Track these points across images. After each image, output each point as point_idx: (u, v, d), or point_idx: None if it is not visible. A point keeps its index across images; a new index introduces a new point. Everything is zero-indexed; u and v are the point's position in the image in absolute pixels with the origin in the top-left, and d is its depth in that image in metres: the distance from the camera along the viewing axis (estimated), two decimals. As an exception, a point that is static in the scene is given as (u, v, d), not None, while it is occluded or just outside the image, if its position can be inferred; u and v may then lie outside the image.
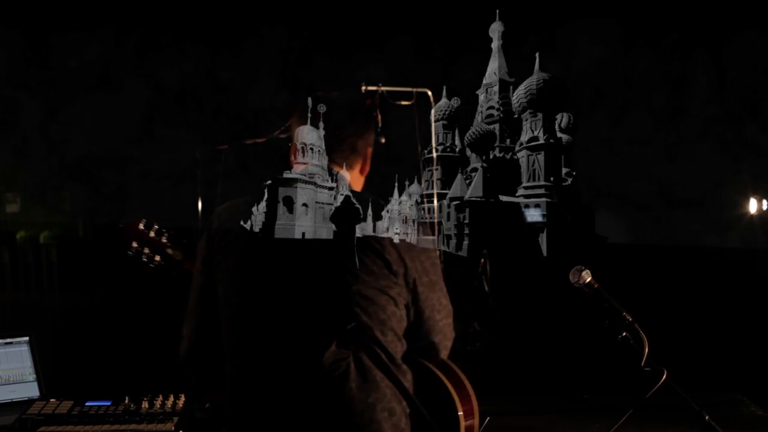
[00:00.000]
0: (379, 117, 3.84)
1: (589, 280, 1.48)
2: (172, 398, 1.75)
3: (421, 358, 1.32)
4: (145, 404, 1.73)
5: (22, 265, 10.11)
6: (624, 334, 1.44)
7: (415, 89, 4.12)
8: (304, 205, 1.40)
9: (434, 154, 3.88)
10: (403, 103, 4.11)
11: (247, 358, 1.21)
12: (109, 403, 1.77)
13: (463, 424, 1.20)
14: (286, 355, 1.17)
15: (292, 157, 1.43)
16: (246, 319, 1.22)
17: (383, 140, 3.78)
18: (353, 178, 1.45)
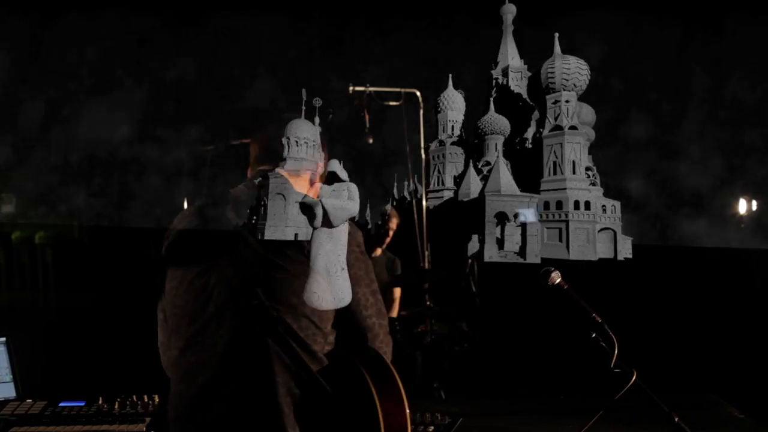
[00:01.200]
0: (367, 117, 3.81)
1: (558, 281, 1.47)
2: (145, 398, 1.74)
3: (353, 355, 1.32)
4: (117, 405, 1.72)
5: (17, 265, 10.13)
6: (593, 335, 1.43)
7: (403, 89, 4.09)
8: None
9: (422, 155, 3.86)
10: (392, 103, 4.09)
11: (180, 346, 1.25)
12: (82, 404, 1.76)
13: (382, 423, 1.16)
14: (204, 342, 1.21)
15: (283, 152, 1.43)
16: (179, 310, 1.26)
17: (371, 140, 3.75)
18: (301, 187, 1.43)
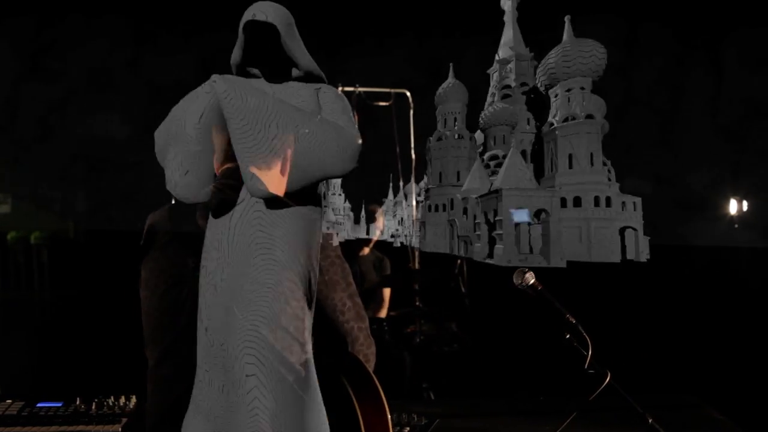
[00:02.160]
0: (357, 118, 3.82)
1: (532, 282, 1.47)
2: (122, 399, 1.74)
3: (333, 363, 1.29)
4: (94, 405, 1.72)
5: (13, 265, 10.12)
6: (567, 336, 1.43)
7: (393, 90, 4.09)
8: None
9: (412, 155, 3.87)
10: (381, 103, 4.08)
11: (156, 357, 1.22)
12: (60, 405, 1.76)
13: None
14: (178, 354, 1.18)
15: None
16: (153, 320, 1.23)
17: (360, 141, 3.75)
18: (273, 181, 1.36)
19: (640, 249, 41.79)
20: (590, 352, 1.42)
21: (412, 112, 3.85)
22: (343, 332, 1.33)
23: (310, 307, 1.22)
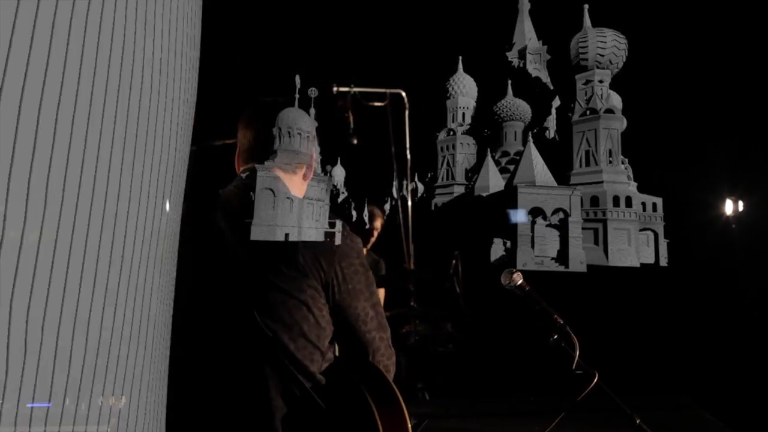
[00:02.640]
0: (351, 118, 3.79)
1: (520, 282, 1.47)
2: (112, 399, 1.74)
3: (353, 373, 1.28)
4: (83, 406, 1.72)
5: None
6: (554, 336, 1.44)
7: (388, 90, 4.09)
8: (288, 198, 1.31)
9: (407, 155, 3.86)
10: (376, 104, 4.08)
11: (173, 362, 1.19)
12: (49, 405, 1.76)
13: None
14: (193, 360, 1.14)
15: (275, 144, 1.31)
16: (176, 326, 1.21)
17: (355, 141, 3.75)
18: (294, 184, 1.31)
19: (660, 253, 38.64)
20: (577, 353, 1.43)
21: (407, 112, 3.85)
22: (365, 342, 1.29)
23: (331, 316, 1.22)
